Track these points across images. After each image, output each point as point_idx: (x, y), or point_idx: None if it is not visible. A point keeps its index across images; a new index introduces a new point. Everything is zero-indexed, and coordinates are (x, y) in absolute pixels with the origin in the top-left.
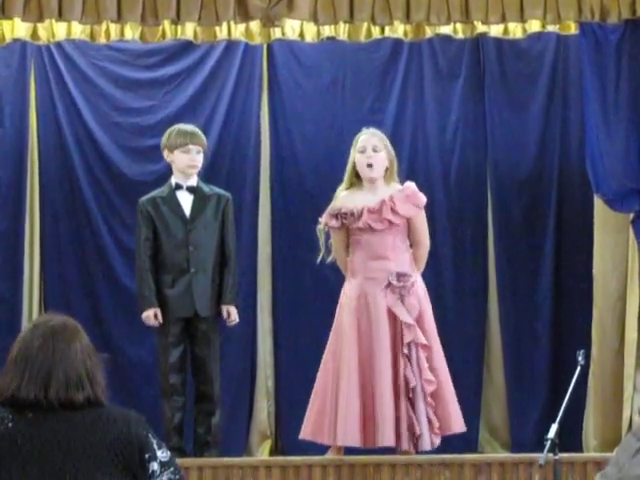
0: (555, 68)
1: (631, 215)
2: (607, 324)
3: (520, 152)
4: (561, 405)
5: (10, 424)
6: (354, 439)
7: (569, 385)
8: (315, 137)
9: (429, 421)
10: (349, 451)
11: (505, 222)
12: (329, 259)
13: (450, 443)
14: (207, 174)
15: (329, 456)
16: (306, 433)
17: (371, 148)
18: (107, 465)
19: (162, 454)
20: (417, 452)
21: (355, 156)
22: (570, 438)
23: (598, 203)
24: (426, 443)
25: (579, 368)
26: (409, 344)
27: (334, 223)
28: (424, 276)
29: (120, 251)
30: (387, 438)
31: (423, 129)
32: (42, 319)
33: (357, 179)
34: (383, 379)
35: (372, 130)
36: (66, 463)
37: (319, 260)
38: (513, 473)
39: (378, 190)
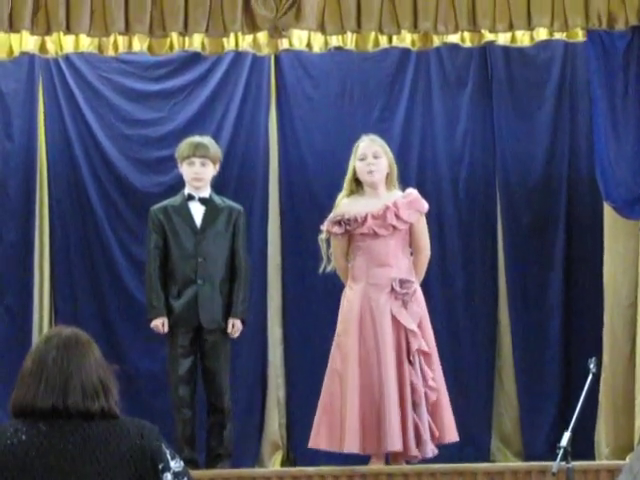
0: (563, 75)
1: None
2: (618, 331)
3: (529, 160)
4: (573, 413)
5: (24, 436)
6: (354, 446)
7: (581, 393)
8: (323, 147)
9: (430, 429)
10: (362, 460)
11: (514, 230)
12: (329, 268)
13: (461, 451)
14: (216, 185)
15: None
16: (316, 442)
17: (372, 155)
18: (121, 476)
19: (175, 464)
20: (422, 459)
21: (355, 163)
22: (582, 446)
23: (608, 210)
24: (429, 450)
25: (591, 376)
26: (414, 351)
27: (337, 230)
28: (434, 283)
29: (129, 263)
30: (395, 443)
31: (431, 138)
32: (54, 331)
33: (357, 186)
34: (390, 385)
35: (372, 137)
36: (80, 476)
37: (321, 270)
38: None
39: (380, 196)
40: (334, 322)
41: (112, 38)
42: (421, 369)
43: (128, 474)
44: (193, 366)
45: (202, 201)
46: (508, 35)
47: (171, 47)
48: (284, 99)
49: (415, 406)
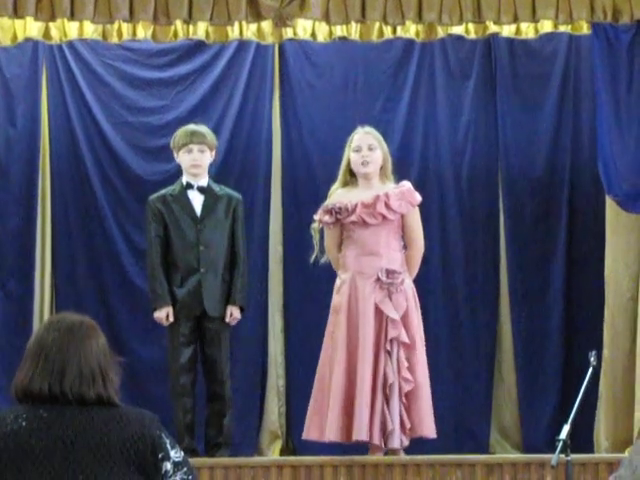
0: (567, 68)
1: None
2: (619, 325)
3: (532, 153)
4: (573, 406)
5: (24, 423)
6: (336, 434)
7: (581, 386)
8: (326, 137)
9: (401, 420)
10: (363, 451)
11: (517, 223)
12: (323, 259)
13: (461, 443)
14: (218, 174)
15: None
16: (307, 433)
17: (366, 147)
18: (121, 465)
19: (175, 454)
20: (386, 449)
21: (350, 155)
22: (582, 439)
23: (610, 204)
24: (396, 441)
25: (591, 369)
26: (392, 341)
27: (328, 219)
28: (435, 276)
29: (131, 250)
30: (362, 432)
31: (434, 129)
32: (59, 316)
33: (351, 177)
34: (364, 374)
35: (367, 128)
36: (79, 463)
37: (312, 260)
38: (525, 474)
39: (373, 188)
40: None
41: (116, 25)
42: (398, 359)
43: (128, 462)
44: (194, 355)
45: (201, 190)
46: (513, 27)
47: (175, 35)
48: (287, 88)
49: (386, 396)
